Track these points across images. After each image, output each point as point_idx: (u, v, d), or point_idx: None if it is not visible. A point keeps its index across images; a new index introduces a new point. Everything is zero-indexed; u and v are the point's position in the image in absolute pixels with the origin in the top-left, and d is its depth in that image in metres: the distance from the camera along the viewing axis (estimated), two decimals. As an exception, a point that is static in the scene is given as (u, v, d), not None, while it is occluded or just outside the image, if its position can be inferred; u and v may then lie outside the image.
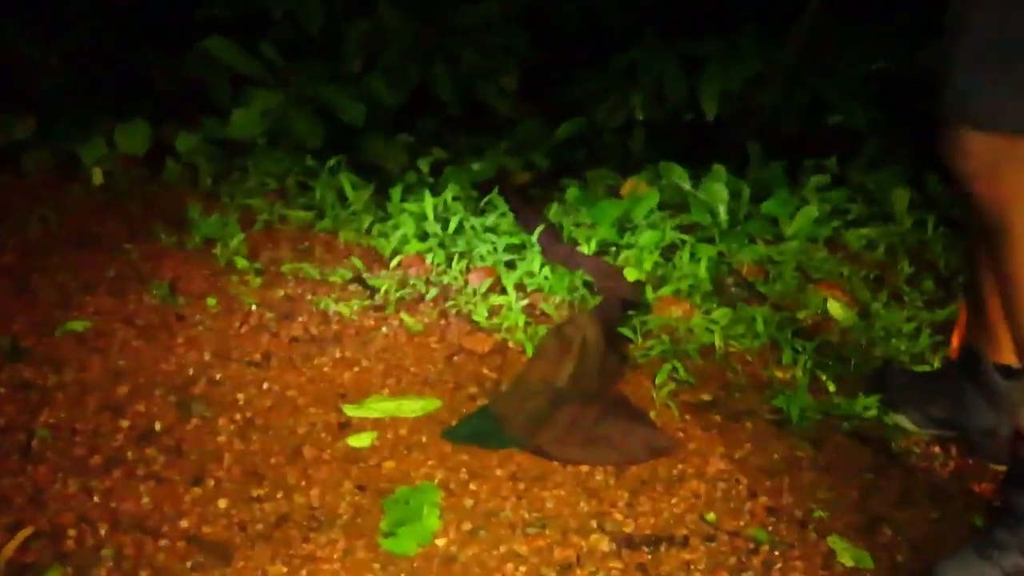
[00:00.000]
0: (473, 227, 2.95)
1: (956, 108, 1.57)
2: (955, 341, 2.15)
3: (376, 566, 1.74)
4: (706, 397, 2.28)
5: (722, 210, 3.15)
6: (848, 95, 3.70)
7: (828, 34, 3.74)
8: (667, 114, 3.92)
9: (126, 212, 3.06)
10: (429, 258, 2.81)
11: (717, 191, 3.22)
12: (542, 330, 2.45)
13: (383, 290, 2.63)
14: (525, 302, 2.60)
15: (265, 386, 2.24)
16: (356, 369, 2.33)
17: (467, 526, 1.84)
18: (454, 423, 2.14)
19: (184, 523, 1.82)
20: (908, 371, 2.35)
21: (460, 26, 3.79)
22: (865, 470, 2.05)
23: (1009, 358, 1.95)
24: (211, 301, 2.56)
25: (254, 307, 2.55)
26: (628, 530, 1.86)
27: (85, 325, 2.42)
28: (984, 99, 1.54)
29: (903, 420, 2.18)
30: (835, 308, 2.63)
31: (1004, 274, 1.67)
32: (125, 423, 2.08)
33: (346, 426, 2.12)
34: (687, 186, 3.29)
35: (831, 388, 2.27)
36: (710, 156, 3.57)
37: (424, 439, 2.09)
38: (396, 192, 3.11)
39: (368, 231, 2.97)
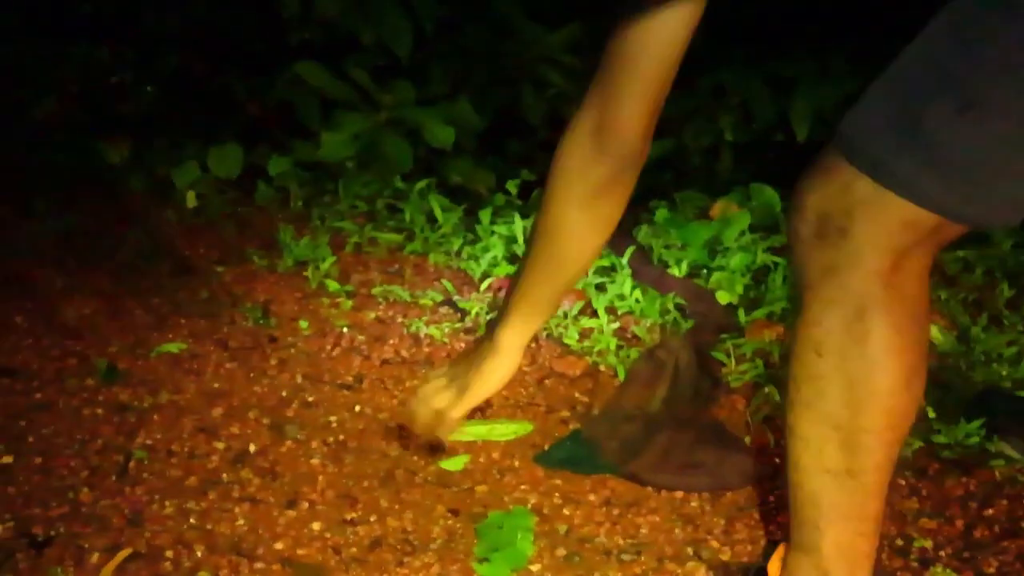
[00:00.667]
0: (563, 249, 2.94)
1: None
2: None
3: (471, 591, 1.73)
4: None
5: (814, 232, 3.10)
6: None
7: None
8: (756, 135, 3.89)
9: (219, 235, 3.09)
10: (519, 280, 2.80)
11: (809, 212, 3.17)
12: (634, 353, 2.43)
13: (474, 312, 2.63)
14: (616, 325, 2.58)
15: (357, 408, 2.24)
16: (447, 392, 2.32)
17: (561, 552, 1.82)
18: (546, 447, 2.12)
19: (279, 545, 1.82)
20: (1013, 396, 2.30)
21: (546, 49, 3.80)
22: (968, 499, 2.00)
23: None
24: (303, 323, 2.57)
25: (345, 329, 2.56)
26: (724, 558, 1.83)
27: (180, 347, 2.45)
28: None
29: (1007, 448, 2.13)
30: (933, 332, 2.58)
31: None
32: (220, 445, 2.09)
33: (438, 449, 2.11)
34: (778, 208, 3.26)
35: (931, 414, 2.22)
36: (800, 175, 3.52)
37: (517, 463, 2.08)
38: (485, 214, 3.11)
39: (458, 253, 2.98)
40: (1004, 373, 2.41)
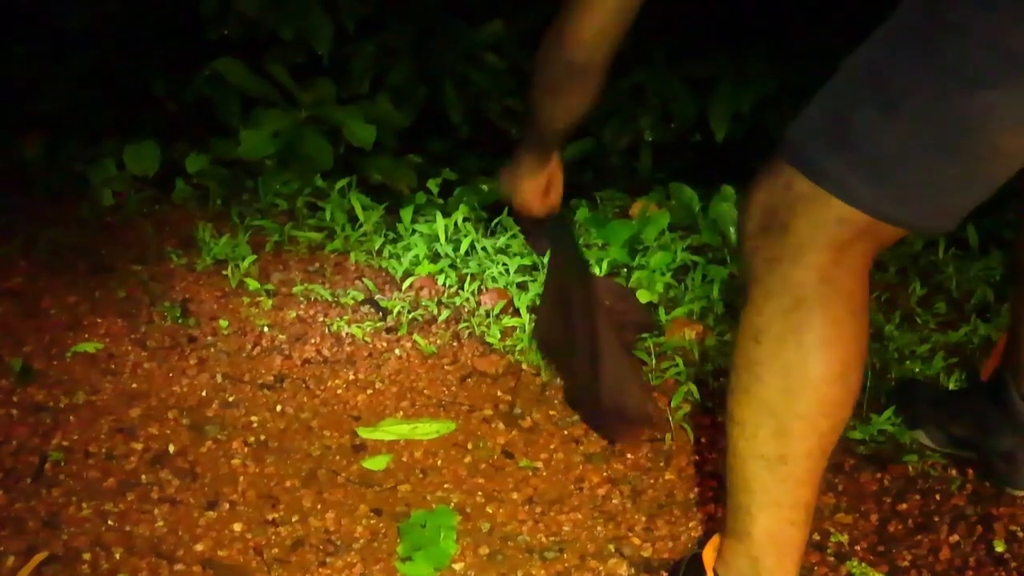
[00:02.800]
0: (484, 248, 2.95)
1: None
2: (989, 363, 2.15)
3: (394, 591, 1.73)
4: (722, 419, 2.27)
5: (732, 231, 3.15)
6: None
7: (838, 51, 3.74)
8: (675, 135, 3.93)
9: (136, 233, 3.04)
10: (441, 279, 2.80)
11: (727, 212, 3.21)
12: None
13: (395, 312, 2.63)
14: (537, 323, 2.59)
15: (279, 408, 2.23)
16: (369, 391, 2.32)
17: (484, 550, 1.83)
18: (469, 446, 2.13)
19: (199, 547, 1.80)
20: (934, 386, 2.34)
21: (468, 46, 3.80)
22: (883, 494, 2.04)
23: None
24: (223, 322, 2.55)
25: (266, 329, 2.54)
26: (646, 555, 1.85)
27: (96, 347, 2.42)
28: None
29: (921, 436, 2.17)
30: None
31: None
32: (138, 446, 2.07)
33: (361, 449, 2.11)
34: (697, 207, 3.29)
35: (846, 411, 2.26)
36: (719, 176, 3.57)
37: (439, 462, 2.08)
38: (407, 213, 3.10)
39: (379, 252, 2.97)
40: (917, 370, 2.46)
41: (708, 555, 1.64)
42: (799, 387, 1.43)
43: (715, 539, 1.65)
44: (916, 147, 1.34)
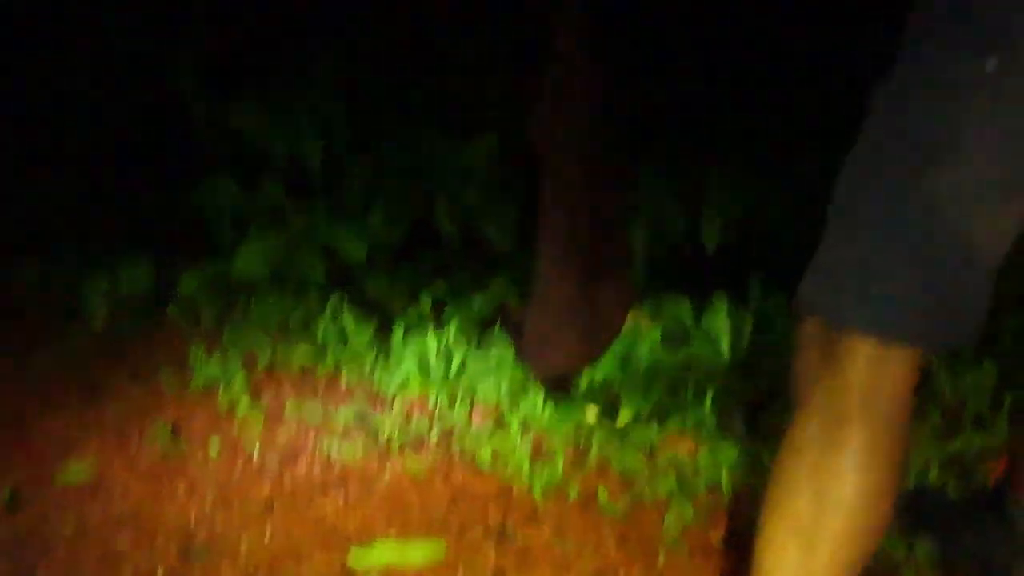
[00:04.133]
0: (476, 365, 2.94)
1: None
2: (996, 471, 2.21)
3: None
4: (715, 537, 2.25)
5: (725, 344, 3.15)
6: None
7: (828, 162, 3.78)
8: (668, 246, 3.94)
9: (128, 354, 3.04)
10: (432, 397, 2.79)
11: (719, 324, 3.22)
12: (548, 470, 2.43)
13: (386, 431, 2.61)
14: (530, 442, 2.57)
15: (269, 532, 2.21)
16: (361, 513, 2.30)
17: None
18: (460, 568, 2.11)
19: None
20: (941, 495, 2.33)
21: (460, 161, 3.83)
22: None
23: None
24: (213, 445, 2.54)
25: (256, 450, 2.53)
26: None
27: (86, 471, 2.40)
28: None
29: (925, 545, 2.16)
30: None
31: None
32: (127, 574, 2.05)
33: (352, 572, 2.08)
34: (689, 320, 3.29)
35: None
36: (712, 286, 3.58)
37: (430, 587, 2.06)
38: (398, 330, 3.10)
39: (371, 371, 2.96)
40: (911, 483, 2.44)
41: None
42: (831, 510, 1.47)
43: None
44: (867, 252, 1.45)
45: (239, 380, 2.82)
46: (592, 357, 2.69)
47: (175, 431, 2.59)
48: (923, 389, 2.92)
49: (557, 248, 2.46)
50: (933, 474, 2.46)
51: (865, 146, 1.51)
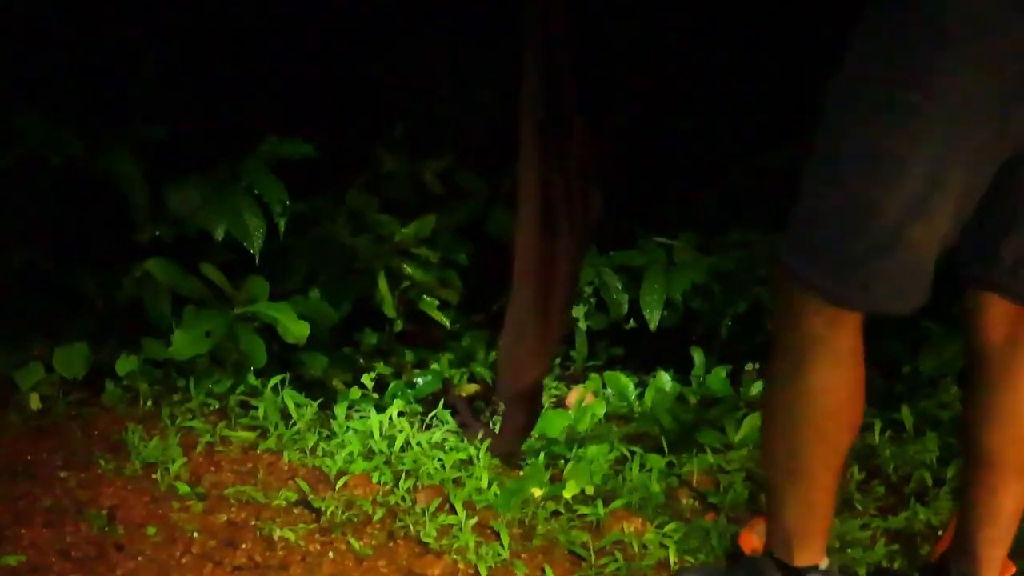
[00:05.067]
0: (420, 444, 2.92)
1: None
2: (938, 546, 2.29)
3: None
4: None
5: (668, 419, 3.15)
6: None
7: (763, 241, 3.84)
8: (609, 322, 3.96)
9: (63, 438, 2.97)
10: (375, 477, 2.76)
11: (663, 400, 3.23)
12: (493, 549, 2.40)
13: (329, 512, 2.57)
14: (475, 520, 2.54)
15: (208, 620, 2.16)
16: (303, 597, 2.25)
17: None
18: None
19: None
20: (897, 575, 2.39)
21: (400, 241, 3.83)
22: None
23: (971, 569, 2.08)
24: (151, 530, 2.47)
25: (196, 535, 2.47)
26: None
27: (19, 559, 2.32)
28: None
29: None
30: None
31: None
32: (59, 666, 1.99)
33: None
34: (632, 395, 3.30)
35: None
36: (654, 362, 3.60)
37: (375, 672, 2.01)
38: (341, 409, 3.08)
39: (313, 451, 2.92)
40: (858, 557, 2.44)
41: (745, 536, 2.22)
42: (801, 420, 1.92)
43: (753, 523, 2.24)
44: (850, 249, 1.81)
45: (178, 462, 2.76)
46: (544, 368, 3.01)
47: (112, 516, 2.53)
48: (867, 462, 2.94)
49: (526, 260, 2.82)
50: (879, 549, 2.46)
51: (823, 159, 1.86)
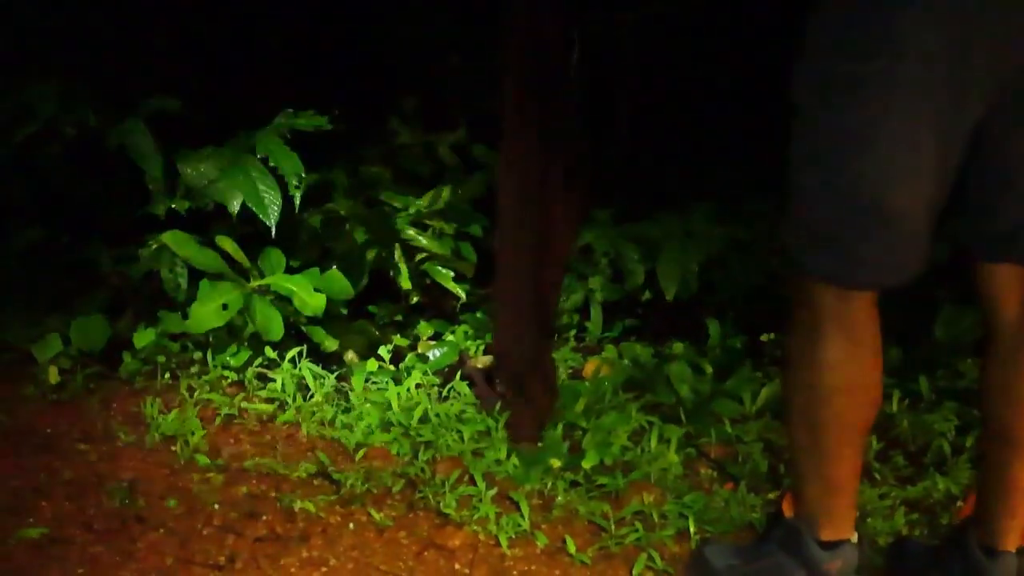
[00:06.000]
0: (437, 415, 2.92)
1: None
2: (964, 510, 2.31)
3: None
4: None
5: (686, 389, 3.14)
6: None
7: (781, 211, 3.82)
8: (625, 293, 3.95)
9: (82, 411, 2.98)
10: (394, 449, 2.76)
11: (679, 370, 3.22)
12: (514, 519, 2.40)
13: (349, 484, 2.57)
14: (494, 492, 2.54)
15: (230, 591, 2.16)
16: (324, 569, 2.25)
17: None
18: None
19: None
20: (920, 544, 2.34)
21: (415, 213, 3.83)
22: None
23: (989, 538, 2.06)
24: (172, 502, 2.48)
25: (216, 507, 2.48)
26: None
27: (41, 532, 2.33)
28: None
29: None
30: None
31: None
32: (85, 637, 2.00)
33: (316, 631, 2.04)
34: (650, 365, 3.29)
35: None
36: (670, 333, 3.59)
37: (398, 643, 2.02)
38: (358, 381, 3.08)
39: (331, 422, 2.93)
40: (878, 527, 2.44)
41: (787, 501, 2.13)
42: (817, 396, 1.94)
43: (788, 496, 2.14)
44: (841, 227, 1.83)
45: (197, 435, 2.77)
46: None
47: (132, 489, 2.53)
48: (885, 432, 2.93)
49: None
50: (899, 519, 2.46)
51: (800, 139, 1.87)
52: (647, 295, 3.90)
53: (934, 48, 1.69)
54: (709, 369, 3.29)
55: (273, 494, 2.55)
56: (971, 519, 2.11)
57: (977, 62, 1.70)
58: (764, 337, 3.57)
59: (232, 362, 3.22)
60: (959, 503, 2.55)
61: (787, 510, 2.10)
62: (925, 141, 1.75)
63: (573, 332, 3.88)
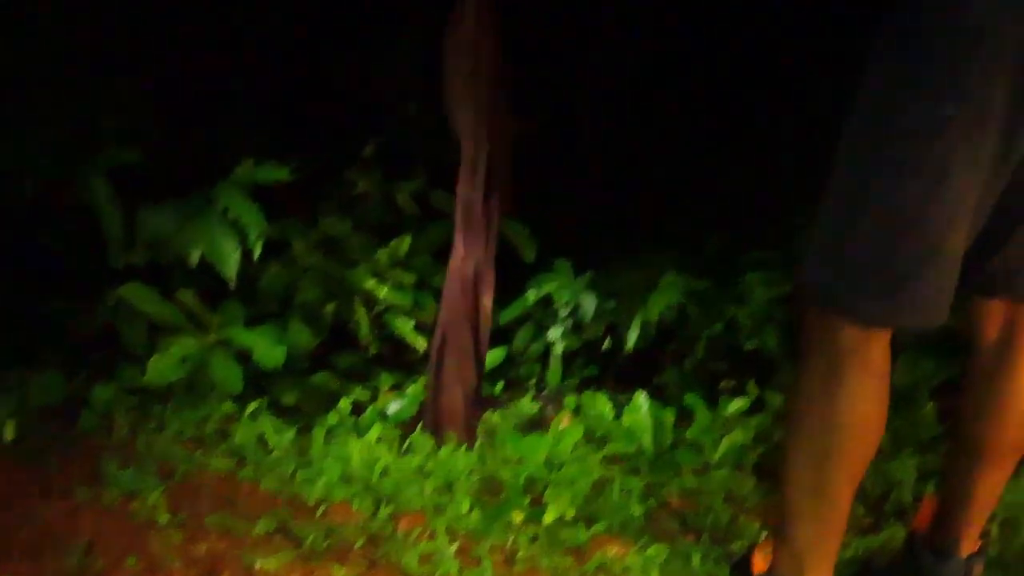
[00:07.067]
0: (399, 469, 2.91)
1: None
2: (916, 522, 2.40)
3: None
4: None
5: (647, 440, 3.15)
6: (760, 320, 3.77)
7: (738, 259, 3.86)
8: (585, 342, 3.96)
9: (40, 468, 2.94)
10: (356, 504, 2.75)
11: (640, 420, 3.23)
12: (476, 575, 2.40)
13: (309, 541, 2.55)
14: (456, 546, 2.53)
15: (190, 652, 2.14)
16: (285, 628, 2.24)
17: None
18: None
19: None
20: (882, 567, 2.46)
21: (375, 264, 3.83)
22: None
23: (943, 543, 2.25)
24: (131, 561, 2.45)
25: (176, 565, 2.46)
26: None
27: (-2, 594, 2.31)
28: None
29: None
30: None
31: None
32: None
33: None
34: (611, 416, 3.30)
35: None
36: (630, 381, 3.60)
37: None
38: (319, 435, 3.07)
39: (292, 477, 2.91)
40: (840, 578, 2.45)
41: (758, 557, 2.14)
42: (831, 434, 1.93)
43: (763, 543, 2.16)
44: (877, 267, 1.84)
45: (156, 492, 2.75)
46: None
47: (91, 548, 2.50)
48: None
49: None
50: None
51: (851, 178, 1.88)
52: (607, 344, 3.91)
53: (997, 95, 1.73)
54: (670, 418, 3.30)
55: (233, 551, 2.53)
56: (932, 526, 2.29)
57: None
58: (724, 385, 3.59)
59: (191, 416, 3.20)
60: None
61: (759, 565, 2.12)
62: (981, 183, 1.79)
63: (533, 381, 3.88)
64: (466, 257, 3.16)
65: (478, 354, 3.22)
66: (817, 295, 1.94)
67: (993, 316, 2.11)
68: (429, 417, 3.21)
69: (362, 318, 3.69)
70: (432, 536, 2.58)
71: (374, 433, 3.08)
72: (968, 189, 1.79)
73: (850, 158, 1.89)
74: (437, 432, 3.17)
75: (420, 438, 3.11)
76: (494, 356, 3.80)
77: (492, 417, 3.34)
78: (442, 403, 3.18)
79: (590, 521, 2.68)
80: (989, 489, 2.22)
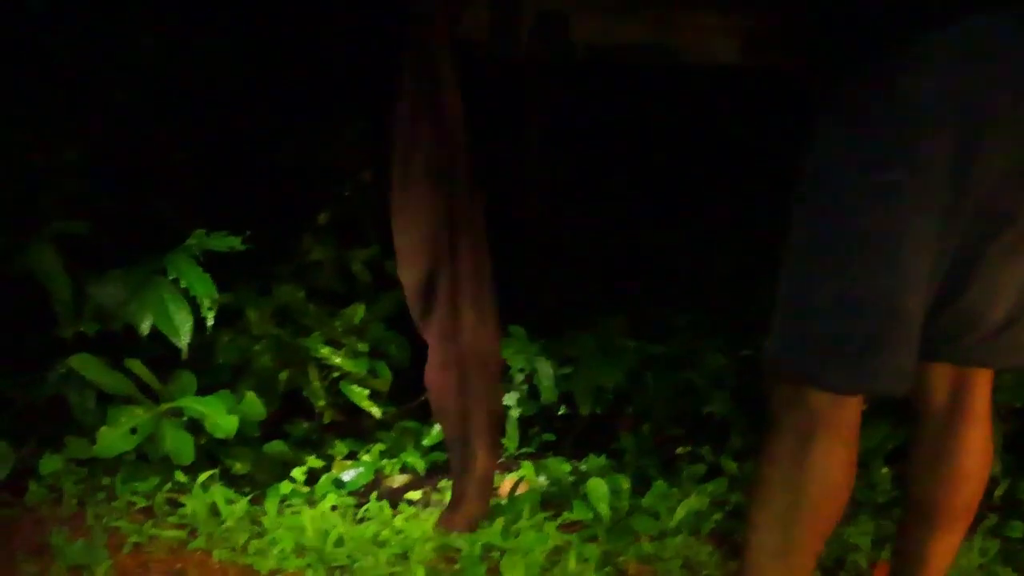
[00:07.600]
0: (353, 538, 2.87)
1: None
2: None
3: None
4: None
5: (603, 506, 3.13)
6: (714, 384, 3.77)
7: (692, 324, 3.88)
8: (540, 408, 3.95)
9: (-16, 542, 2.90)
10: (309, 574, 2.71)
11: (597, 487, 3.21)
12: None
13: (263, 612, 2.52)
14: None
15: None
16: None
17: None
18: None
19: None
20: None
21: (330, 331, 3.81)
22: None
23: None
24: (78, 638, 2.41)
25: (125, 640, 2.41)
26: None
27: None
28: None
29: None
30: None
31: None
32: None
33: None
34: (567, 482, 3.28)
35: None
36: (586, 447, 3.59)
37: None
38: (272, 505, 3.03)
39: (244, 548, 2.86)
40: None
41: None
42: (801, 498, 1.91)
43: None
44: (847, 336, 1.84)
45: (104, 564, 2.70)
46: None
47: (36, 624, 2.45)
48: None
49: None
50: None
51: (806, 249, 1.90)
52: (563, 410, 3.89)
53: (945, 160, 1.76)
54: (626, 485, 3.28)
55: (184, 625, 2.49)
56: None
57: (976, 175, 1.78)
58: (680, 450, 3.59)
59: (141, 487, 3.15)
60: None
61: None
62: (934, 247, 1.82)
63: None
64: None
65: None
66: (781, 370, 1.95)
67: (939, 380, 2.13)
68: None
69: (316, 386, 3.66)
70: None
71: (328, 502, 3.04)
72: (926, 253, 1.81)
73: (800, 232, 1.91)
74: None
75: (375, 506, 3.07)
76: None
77: (446, 486, 3.31)
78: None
79: (547, 589, 2.66)
80: (942, 554, 2.23)
